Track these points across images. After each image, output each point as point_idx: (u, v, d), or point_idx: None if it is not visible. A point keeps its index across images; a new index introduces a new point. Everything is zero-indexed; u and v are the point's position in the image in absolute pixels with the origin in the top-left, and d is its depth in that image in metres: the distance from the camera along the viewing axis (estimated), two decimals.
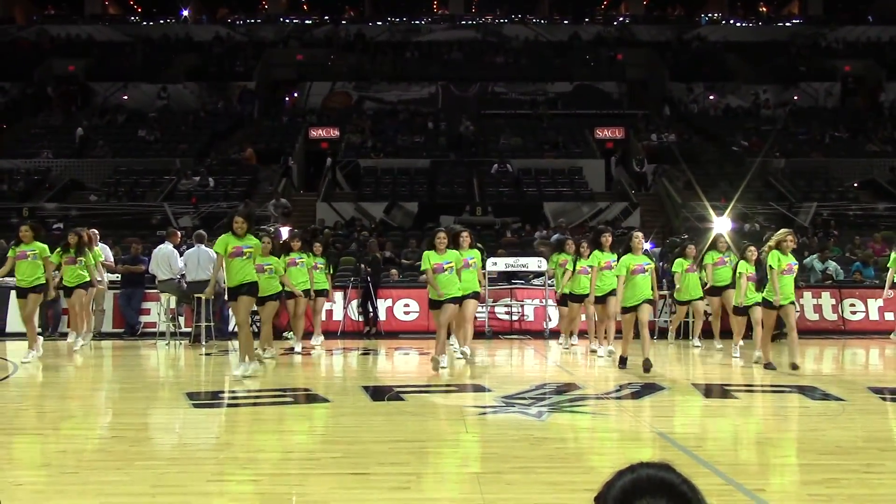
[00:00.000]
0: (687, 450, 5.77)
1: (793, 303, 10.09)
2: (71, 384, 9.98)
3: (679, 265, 12.71)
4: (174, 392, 8.45)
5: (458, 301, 10.02)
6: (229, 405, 8.00)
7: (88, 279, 12.33)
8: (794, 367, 9.66)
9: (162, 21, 38.87)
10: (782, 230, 10.29)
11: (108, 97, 32.69)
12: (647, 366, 9.51)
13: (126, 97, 32.58)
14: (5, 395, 8.82)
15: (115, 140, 28.28)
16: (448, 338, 11.12)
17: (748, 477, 5.09)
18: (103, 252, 14.08)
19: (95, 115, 30.67)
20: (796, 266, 10.16)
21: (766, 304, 10.03)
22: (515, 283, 16.38)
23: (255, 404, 8.23)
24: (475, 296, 10.86)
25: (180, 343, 13.62)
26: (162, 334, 14.23)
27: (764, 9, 44.03)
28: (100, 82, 33.08)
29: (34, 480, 5.00)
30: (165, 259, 13.84)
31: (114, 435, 6.33)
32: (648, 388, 8.70)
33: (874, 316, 15.54)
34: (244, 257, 9.20)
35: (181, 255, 13.97)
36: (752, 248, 10.92)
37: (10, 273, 11.47)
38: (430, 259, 9.88)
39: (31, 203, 23.28)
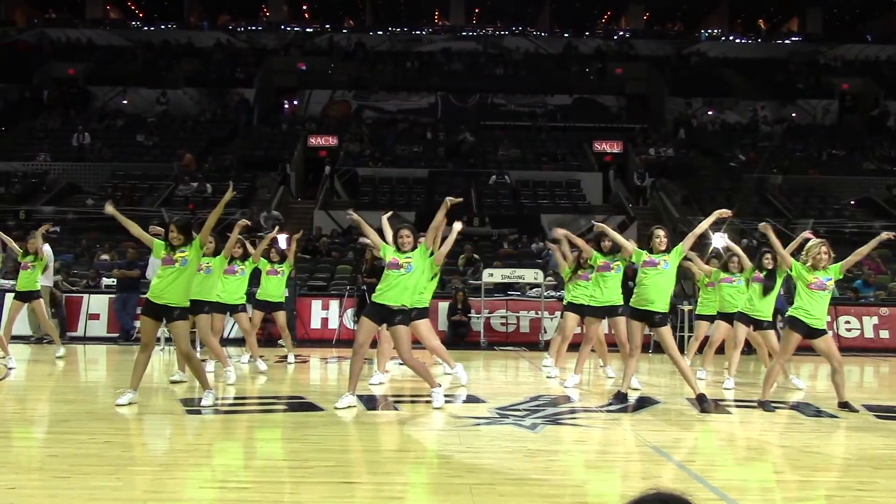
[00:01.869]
0: (680, 464, 5.76)
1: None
2: (63, 388, 9.95)
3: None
4: (167, 398, 8.42)
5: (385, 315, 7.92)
6: (222, 412, 7.97)
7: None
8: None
9: (163, 26, 38.93)
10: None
11: (108, 101, 32.71)
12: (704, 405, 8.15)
13: (125, 102, 32.61)
14: None
15: (113, 144, 28.30)
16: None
17: (741, 493, 5.09)
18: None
19: (94, 119, 30.68)
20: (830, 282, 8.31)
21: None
22: (511, 294, 16.40)
23: (248, 411, 8.21)
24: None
25: (174, 349, 13.58)
26: (157, 340, 14.21)
27: (763, 25, 44.22)
28: (99, 86, 33.10)
29: (26, 484, 4.98)
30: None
31: (106, 440, 6.31)
32: (643, 402, 8.71)
33: (869, 333, 15.57)
34: (176, 264, 7.79)
35: None
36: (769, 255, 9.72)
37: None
38: (387, 252, 7.99)
39: (27, 206, 23.26)
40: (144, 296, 14.88)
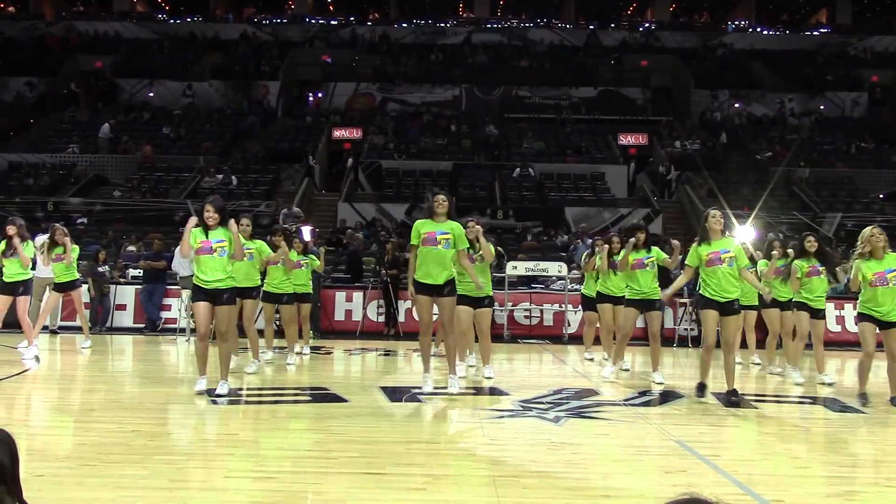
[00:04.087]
0: (704, 458, 5.73)
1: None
2: (91, 378, 10.05)
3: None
4: (193, 388, 8.48)
5: (438, 293, 8.11)
6: (247, 402, 8.03)
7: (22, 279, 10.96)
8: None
9: (189, 19, 39.17)
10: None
11: (134, 94, 32.96)
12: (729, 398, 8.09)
13: (152, 94, 32.84)
14: (27, 387, 8.91)
15: (140, 136, 28.53)
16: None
17: (766, 487, 5.05)
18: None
19: (121, 112, 30.93)
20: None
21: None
22: (535, 287, 16.38)
23: (272, 402, 8.27)
24: (489, 302, 9.61)
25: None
26: (182, 330, 14.35)
27: (791, 17, 43.72)
28: (126, 79, 33.36)
29: (54, 472, 5.04)
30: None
31: (133, 429, 6.37)
32: (667, 396, 8.67)
33: None
34: (214, 254, 7.90)
35: None
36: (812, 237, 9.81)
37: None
38: (419, 229, 8.13)
39: (55, 197, 23.51)
40: (170, 287, 15.18)
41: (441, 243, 8.02)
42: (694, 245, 8.32)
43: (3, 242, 10.83)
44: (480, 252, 9.27)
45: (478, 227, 9.25)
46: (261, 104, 32.39)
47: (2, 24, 37.17)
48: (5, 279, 10.75)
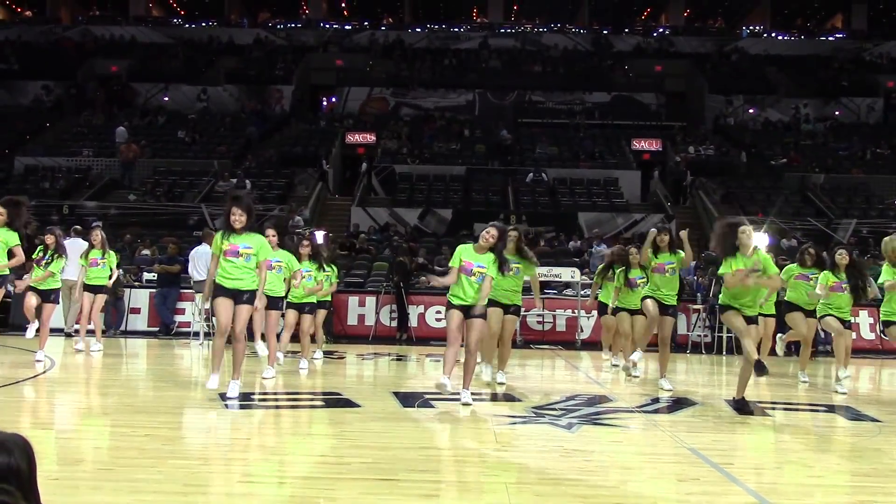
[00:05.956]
0: (718, 466, 5.71)
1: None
2: (105, 381, 10.10)
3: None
4: (207, 392, 8.51)
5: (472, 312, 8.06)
6: (260, 407, 8.06)
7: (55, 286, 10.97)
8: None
9: (204, 24, 39.38)
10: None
11: (150, 98, 33.14)
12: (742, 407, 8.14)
13: (167, 98, 33.01)
14: (41, 390, 8.96)
15: (154, 141, 28.67)
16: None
17: (779, 496, 5.03)
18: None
19: (136, 116, 31.10)
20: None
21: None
22: (548, 293, 16.36)
23: (286, 407, 8.29)
24: (515, 310, 9.67)
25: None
26: (196, 334, 14.41)
27: (806, 22, 43.54)
28: (141, 83, 33.57)
29: (69, 475, 5.07)
30: (201, 260, 14.02)
31: (147, 433, 6.40)
32: (680, 403, 8.64)
33: None
34: (241, 259, 7.97)
35: None
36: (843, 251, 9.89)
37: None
38: (460, 255, 8.08)
39: (71, 201, 23.66)
40: (185, 290, 15.26)
41: (475, 276, 7.97)
42: (730, 259, 8.09)
43: (40, 249, 10.87)
44: (517, 265, 9.30)
45: (516, 234, 9.42)
46: (258, 113, 32.32)
47: (19, 28, 37.50)
48: (38, 286, 10.72)
